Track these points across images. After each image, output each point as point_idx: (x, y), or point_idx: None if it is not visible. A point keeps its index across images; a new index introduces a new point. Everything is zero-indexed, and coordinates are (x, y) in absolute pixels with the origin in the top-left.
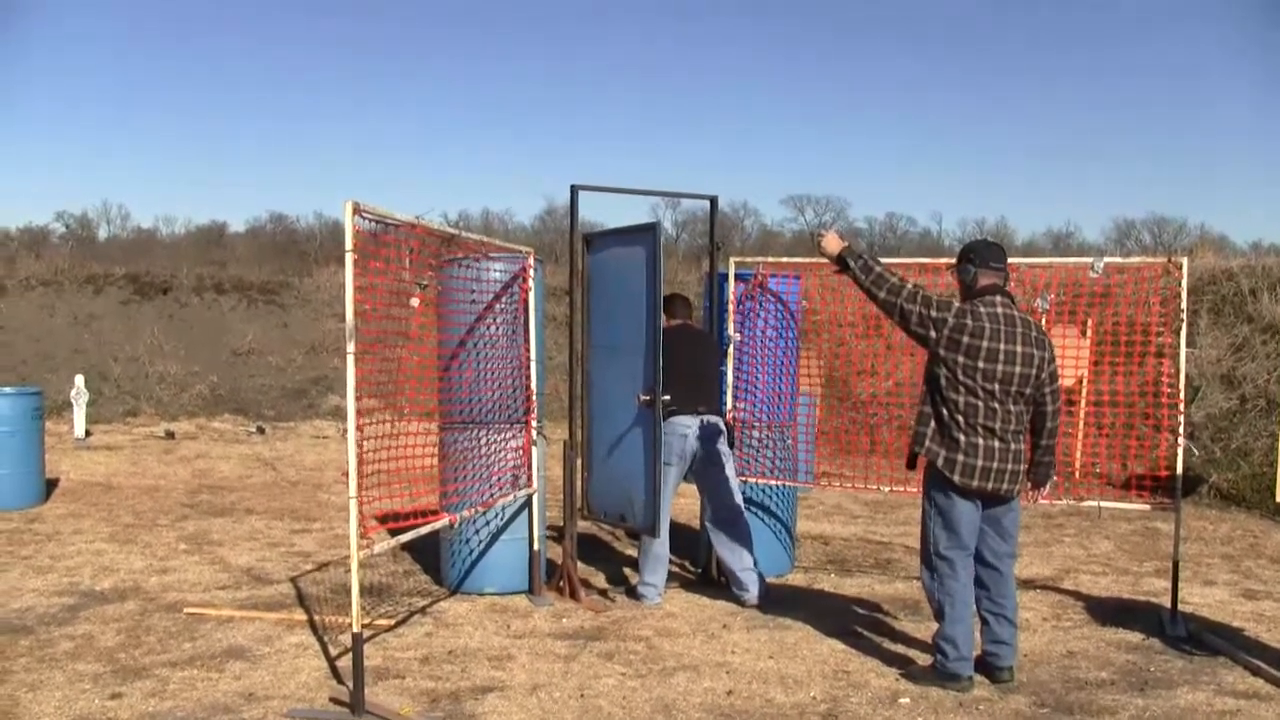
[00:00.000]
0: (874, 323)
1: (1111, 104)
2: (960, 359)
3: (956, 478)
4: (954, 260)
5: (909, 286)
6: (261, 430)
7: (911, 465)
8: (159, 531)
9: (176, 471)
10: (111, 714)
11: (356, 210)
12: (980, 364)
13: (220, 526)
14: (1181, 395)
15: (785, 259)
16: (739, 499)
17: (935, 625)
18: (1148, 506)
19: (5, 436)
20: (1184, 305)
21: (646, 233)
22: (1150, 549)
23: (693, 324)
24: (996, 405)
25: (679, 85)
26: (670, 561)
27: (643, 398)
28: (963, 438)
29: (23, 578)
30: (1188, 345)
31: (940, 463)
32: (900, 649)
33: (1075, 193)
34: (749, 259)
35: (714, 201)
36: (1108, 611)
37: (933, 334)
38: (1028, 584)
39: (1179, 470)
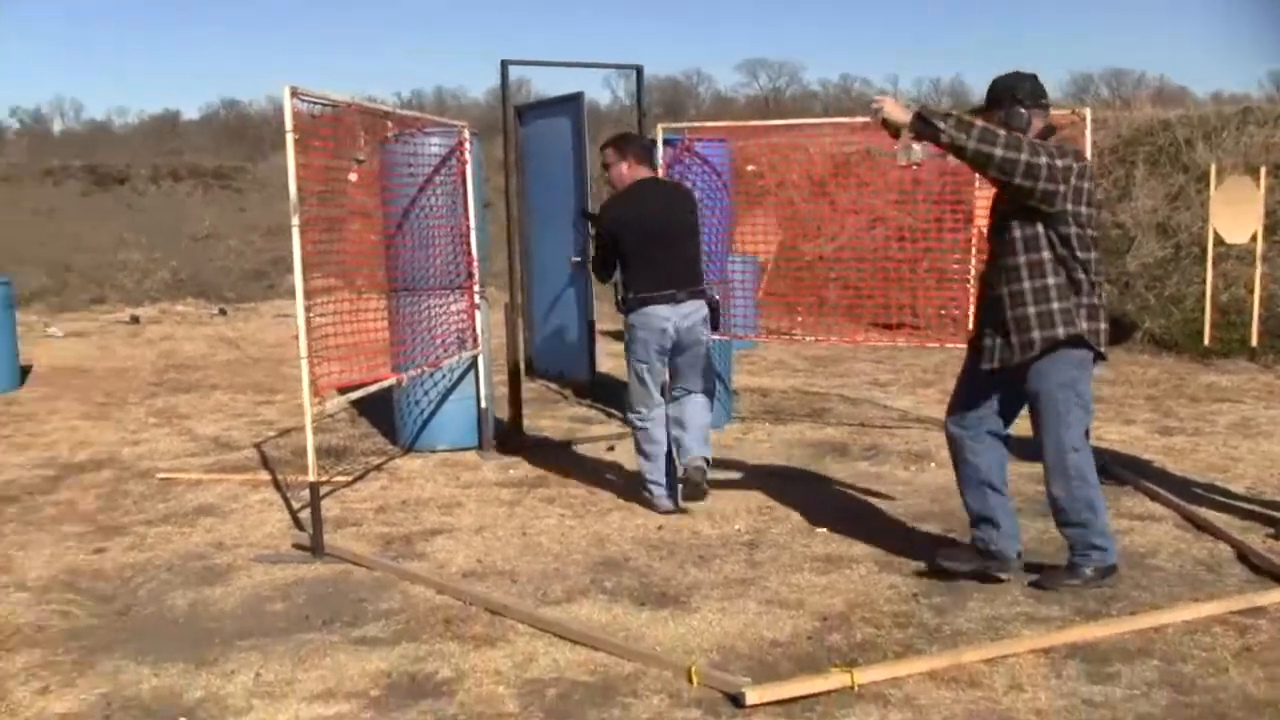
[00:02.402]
0: (819, 186)
1: None
2: (1084, 210)
3: (1103, 347)
4: (985, 105)
5: (1014, 135)
6: (224, 312)
7: (1029, 356)
8: (129, 408)
9: (143, 353)
10: (96, 565)
11: (294, 93)
12: (1098, 212)
13: (187, 401)
14: None
15: (712, 124)
16: (705, 388)
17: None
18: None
19: None
20: (1087, 154)
21: (572, 103)
22: None
23: (662, 178)
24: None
25: None
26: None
27: (573, 259)
28: (1095, 301)
29: (4, 454)
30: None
31: (1091, 339)
32: (823, 488)
33: (1031, 48)
34: (679, 125)
35: (639, 70)
36: (1028, 449)
37: (1062, 187)
38: None
39: None
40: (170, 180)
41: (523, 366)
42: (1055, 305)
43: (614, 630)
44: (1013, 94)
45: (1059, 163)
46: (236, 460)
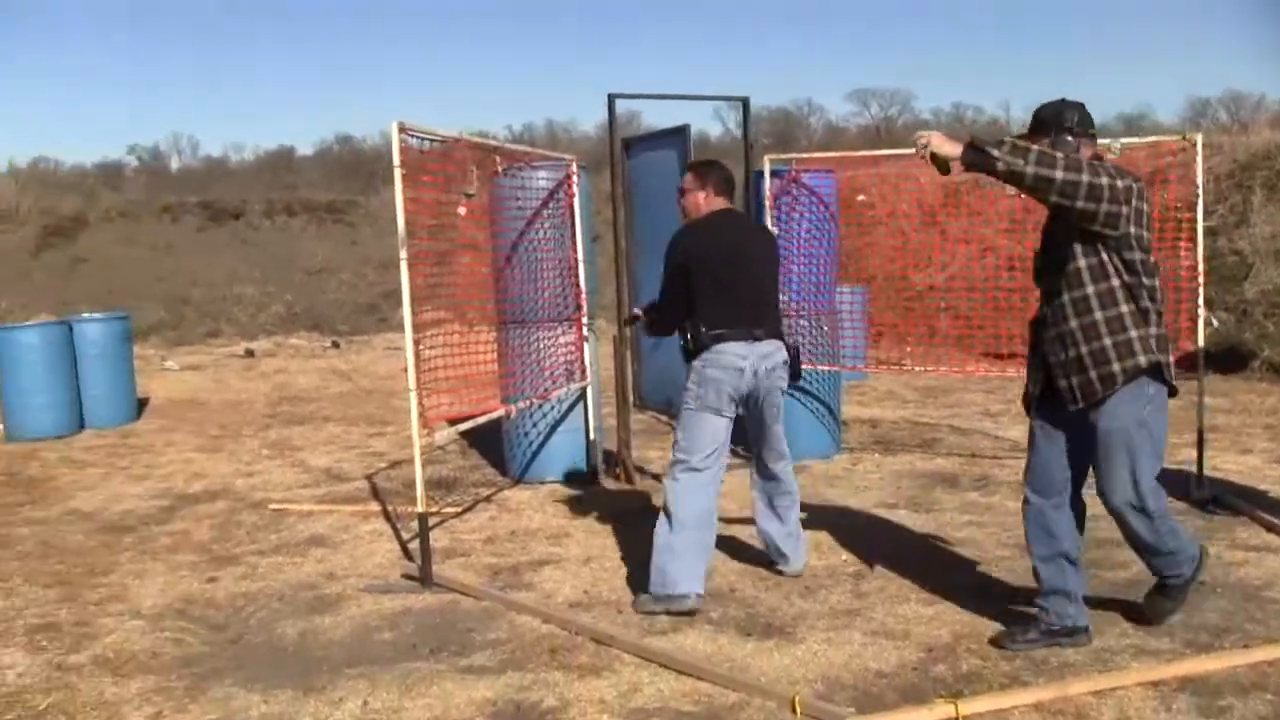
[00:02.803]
0: (929, 216)
1: None
2: (1144, 234)
3: (1174, 381)
4: (1029, 132)
5: (1073, 157)
6: (336, 344)
7: (1111, 391)
8: (244, 440)
9: (257, 386)
10: (209, 594)
11: (402, 129)
12: (1151, 234)
13: (300, 433)
14: (1200, 269)
15: (819, 154)
16: (785, 451)
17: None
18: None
19: (97, 359)
20: (1199, 181)
21: (678, 135)
22: (1193, 421)
23: (740, 211)
24: None
25: None
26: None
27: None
28: (1163, 331)
29: (123, 485)
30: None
31: (1166, 372)
32: (932, 518)
33: (1147, 73)
34: (786, 156)
35: (746, 103)
36: None
37: (1125, 209)
38: None
39: (1200, 342)
40: (284, 215)
41: (631, 397)
42: (1133, 333)
43: (719, 660)
44: (1060, 121)
45: (1120, 183)
46: (347, 491)
